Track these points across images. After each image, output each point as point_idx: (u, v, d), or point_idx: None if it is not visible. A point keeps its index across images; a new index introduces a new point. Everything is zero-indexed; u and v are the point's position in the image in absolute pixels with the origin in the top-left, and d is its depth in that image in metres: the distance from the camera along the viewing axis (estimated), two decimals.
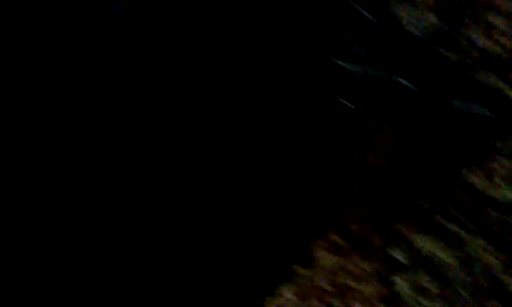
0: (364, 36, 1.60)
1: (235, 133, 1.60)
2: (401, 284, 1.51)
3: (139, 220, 1.44)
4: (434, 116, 1.57)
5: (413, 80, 1.56)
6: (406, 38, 1.62)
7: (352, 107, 1.61)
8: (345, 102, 1.62)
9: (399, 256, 1.56)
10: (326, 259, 1.57)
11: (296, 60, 1.68)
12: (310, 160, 1.74)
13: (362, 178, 1.76)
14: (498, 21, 1.64)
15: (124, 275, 1.39)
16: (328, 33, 1.61)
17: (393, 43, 1.60)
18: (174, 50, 1.54)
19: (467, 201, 1.61)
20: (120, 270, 1.39)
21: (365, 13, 1.59)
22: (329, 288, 1.51)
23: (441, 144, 1.61)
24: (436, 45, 1.64)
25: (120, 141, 1.49)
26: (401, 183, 1.67)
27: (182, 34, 1.55)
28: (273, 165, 1.66)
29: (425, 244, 1.57)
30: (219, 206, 1.55)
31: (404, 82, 1.54)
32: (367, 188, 1.74)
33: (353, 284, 1.52)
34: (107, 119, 1.49)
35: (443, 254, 1.53)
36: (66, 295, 1.34)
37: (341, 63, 1.56)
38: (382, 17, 1.62)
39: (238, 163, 1.60)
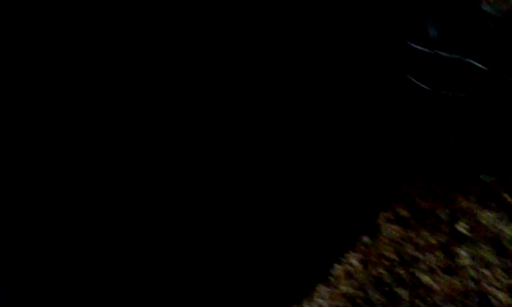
0: (438, 18, 1.64)
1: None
2: (464, 256, 1.60)
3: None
4: (503, 96, 1.59)
5: (485, 60, 1.59)
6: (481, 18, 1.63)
7: (423, 87, 1.67)
8: (416, 81, 1.68)
9: (464, 229, 1.65)
10: (392, 230, 1.69)
11: (371, 40, 1.75)
12: (382, 135, 1.84)
13: (431, 155, 1.83)
14: None
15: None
16: (403, 16, 1.67)
17: (468, 24, 1.63)
18: None
19: None
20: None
21: None
22: (394, 257, 1.64)
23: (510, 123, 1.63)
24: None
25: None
26: (469, 161, 1.73)
27: None
28: (346, 137, 1.78)
29: (490, 219, 1.63)
30: (293, 173, 1.70)
31: (475, 63, 1.57)
32: (436, 165, 1.81)
33: (418, 254, 1.64)
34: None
35: (507, 230, 1.59)
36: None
37: (415, 46, 1.62)
38: None
39: (312, 132, 1.73)
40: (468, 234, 1.64)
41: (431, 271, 1.59)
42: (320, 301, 1.54)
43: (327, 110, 1.73)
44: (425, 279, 1.58)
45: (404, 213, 1.73)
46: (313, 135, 1.73)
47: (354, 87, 1.75)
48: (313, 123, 1.73)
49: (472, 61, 1.58)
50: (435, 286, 1.56)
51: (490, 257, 1.58)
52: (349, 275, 1.59)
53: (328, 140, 1.75)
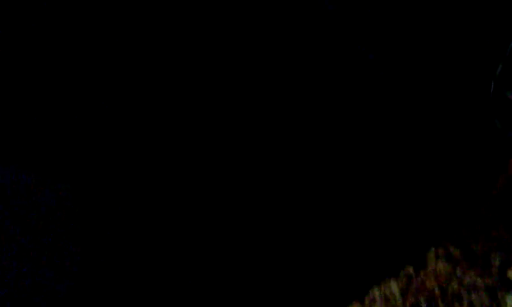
0: None
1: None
2: (510, 304, 1.60)
3: None
4: None
5: None
6: None
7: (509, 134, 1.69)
8: (503, 127, 1.71)
9: None
10: (440, 266, 1.74)
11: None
12: (451, 174, 1.90)
13: (494, 202, 1.85)
14: None
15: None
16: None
17: None
18: None
19: None
20: None
21: None
22: (437, 292, 1.69)
23: None
24: None
25: None
26: None
27: None
28: (412, 166, 1.86)
29: None
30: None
31: None
32: (497, 212, 1.82)
33: (462, 292, 1.67)
34: None
35: None
36: None
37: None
38: None
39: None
40: None
41: None
42: None
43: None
44: None
45: (455, 252, 1.76)
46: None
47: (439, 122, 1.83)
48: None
49: None
50: None
51: None
52: (386, 299, 1.68)
53: (401, 168, 1.85)
